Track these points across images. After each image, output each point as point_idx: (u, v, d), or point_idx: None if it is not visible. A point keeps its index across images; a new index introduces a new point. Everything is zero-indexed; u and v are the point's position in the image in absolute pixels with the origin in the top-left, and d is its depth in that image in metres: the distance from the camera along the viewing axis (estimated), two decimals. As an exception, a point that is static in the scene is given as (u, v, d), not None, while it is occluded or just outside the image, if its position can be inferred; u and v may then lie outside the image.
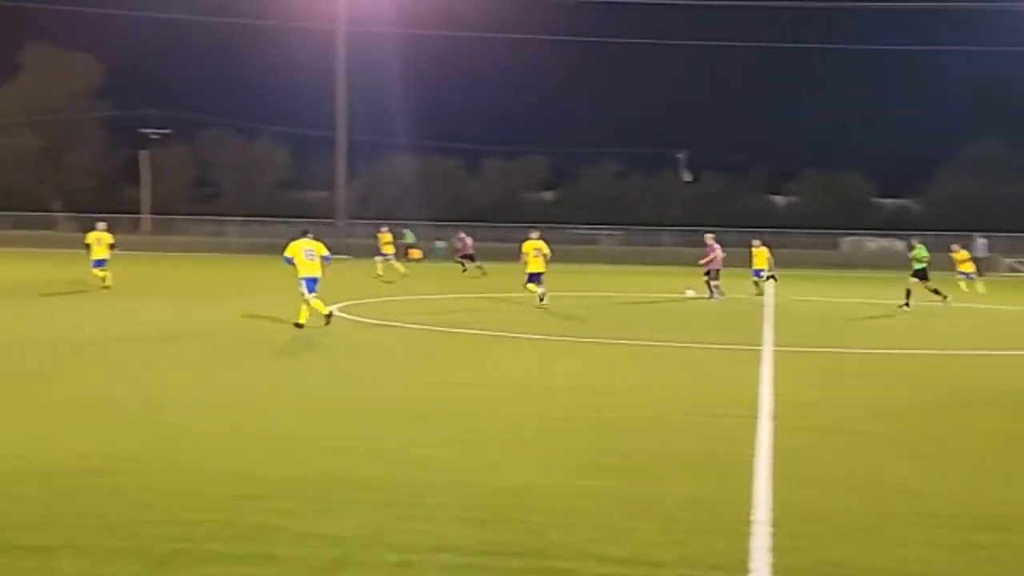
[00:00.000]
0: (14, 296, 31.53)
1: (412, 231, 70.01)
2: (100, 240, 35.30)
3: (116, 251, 35.97)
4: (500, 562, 7.52)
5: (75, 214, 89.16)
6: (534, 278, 30.86)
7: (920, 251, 32.11)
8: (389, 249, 46.84)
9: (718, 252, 36.71)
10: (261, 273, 47.39)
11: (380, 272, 45.38)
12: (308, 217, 78.27)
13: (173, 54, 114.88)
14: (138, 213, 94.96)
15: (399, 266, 46.51)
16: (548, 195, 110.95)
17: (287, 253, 23.44)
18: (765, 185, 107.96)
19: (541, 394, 15.08)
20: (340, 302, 29.61)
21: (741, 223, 76.56)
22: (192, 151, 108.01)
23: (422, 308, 30.01)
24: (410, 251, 67.78)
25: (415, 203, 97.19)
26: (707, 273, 36.85)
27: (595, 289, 40.53)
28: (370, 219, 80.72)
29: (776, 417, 13.37)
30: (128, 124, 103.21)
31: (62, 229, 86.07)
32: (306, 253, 23.31)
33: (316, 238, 24.02)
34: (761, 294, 38.12)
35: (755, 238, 40.05)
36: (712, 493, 9.58)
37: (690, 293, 36.64)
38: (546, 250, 31.06)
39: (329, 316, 23.44)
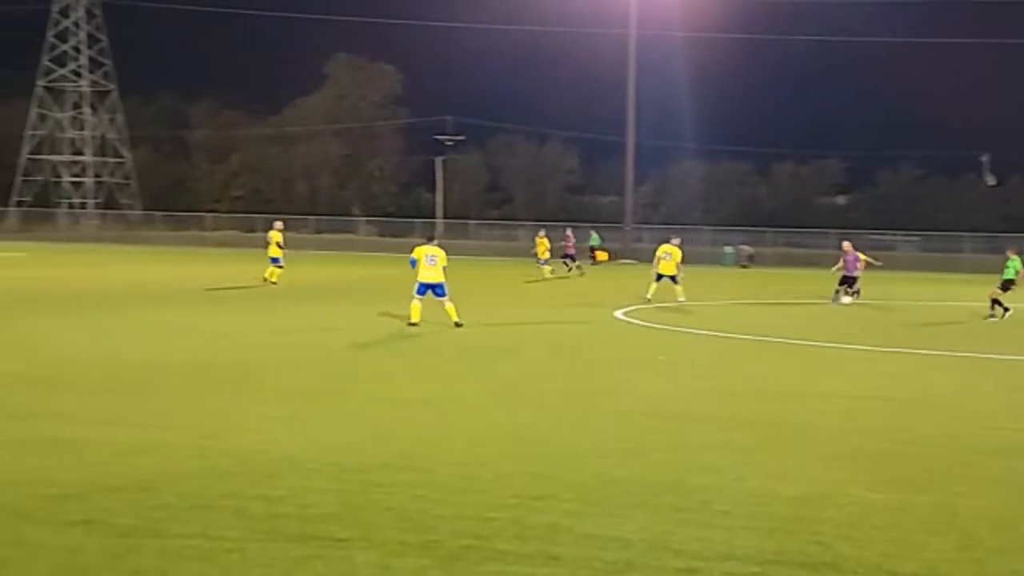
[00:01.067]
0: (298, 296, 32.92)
1: (598, 233, 69.77)
2: (271, 239, 36.64)
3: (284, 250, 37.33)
4: (788, 572, 7.38)
5: (373, 218, 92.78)
6: (661, 278, 32.47)
7: (1016, 263, 29.56)
8: (544, 254, 47.07)
9: (854, 257, 35.19)
10: (551, 277, 47.99)
11: (547, 275, 45.67)
12: (596, 221, 79.12)
13: (468, 62, 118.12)
14: (433, 217, 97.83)
15: (547, 270, 46.65)
16: (841, 200, 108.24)
17: (413, 255, 23.98)
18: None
19: (829, 402, 14.71)
20: (623, 307, 29.76)
21: (1051, 229, 72.70)
22: (484, 157, 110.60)
23: (701, 313, 29.81)
24: (596, 253, 67.09)
25: (703, 208, 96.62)
26: (843, 280, 35.19)
27: (888, 297, 39.21)
28: (659, 224, 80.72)
29: (1085, 433, 12.65)
30: (425, 131, 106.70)
31: (362, 233, 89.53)
32: (428, 259, 23.69)
33: (440, 245, 24.43)
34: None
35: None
36: (1014, 511, 9.15)
37: (846, 300, 34.71)
38: (678, 256, 32.33)
39: (458, 324, 23.45)
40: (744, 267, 63.96)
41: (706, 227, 78.59)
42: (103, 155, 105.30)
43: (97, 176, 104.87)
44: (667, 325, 25.81)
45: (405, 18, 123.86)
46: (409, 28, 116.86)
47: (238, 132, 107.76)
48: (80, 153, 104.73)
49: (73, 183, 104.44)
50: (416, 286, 23.82)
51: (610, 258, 68.11)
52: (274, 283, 35.85)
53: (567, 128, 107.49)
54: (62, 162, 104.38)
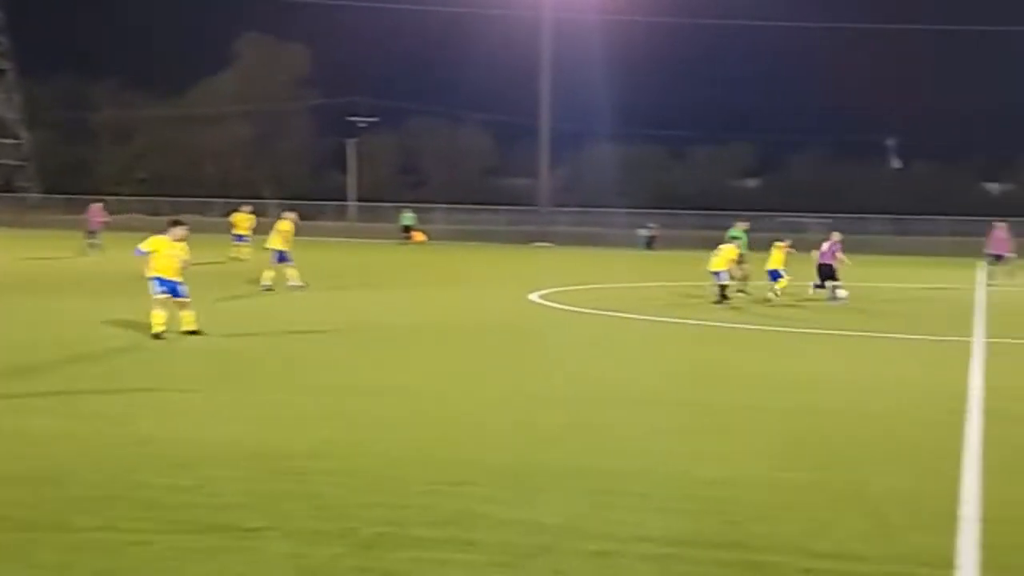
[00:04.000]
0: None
1: (412, 212, 69.43)
2: (241, 221, 42.43)
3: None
4: (701, 553, 7.46)
5: (284, 200, 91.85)
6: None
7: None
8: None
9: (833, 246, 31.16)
10: (466, 260, 47.92)
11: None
12: (511, 204, 79.11)
13: (380, 42, 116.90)
14: (345, 200, 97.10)
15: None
16: (753, 183, 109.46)
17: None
18: (978, 173, 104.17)
19: (748, 383, 14.85)
20: (540, 289, 29.82)
21: (952, 211, 74.02)
22: (398, 138, 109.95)
23: (622, 296, 29.93)
24: (414, 234, 65.93)
25: (618, 191, 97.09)
26: (824, 273, 30.79)
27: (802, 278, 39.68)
28: (576, 207, 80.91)
29: (987, 410, 12.93)
30: (336, 112, 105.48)
31: (273, 216, 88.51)
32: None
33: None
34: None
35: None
36: (919, 487, 9.35)
37: (843, 294, 29.83)
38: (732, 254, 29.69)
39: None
40: (651, 249, 64.34)
41: (621, 209, 78.66)
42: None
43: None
44: (584, 308, 25.82)
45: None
46: (319, 7, 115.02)
47: (142, 113, 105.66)
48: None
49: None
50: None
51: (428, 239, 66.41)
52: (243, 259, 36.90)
53: (482, 110, 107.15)
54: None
